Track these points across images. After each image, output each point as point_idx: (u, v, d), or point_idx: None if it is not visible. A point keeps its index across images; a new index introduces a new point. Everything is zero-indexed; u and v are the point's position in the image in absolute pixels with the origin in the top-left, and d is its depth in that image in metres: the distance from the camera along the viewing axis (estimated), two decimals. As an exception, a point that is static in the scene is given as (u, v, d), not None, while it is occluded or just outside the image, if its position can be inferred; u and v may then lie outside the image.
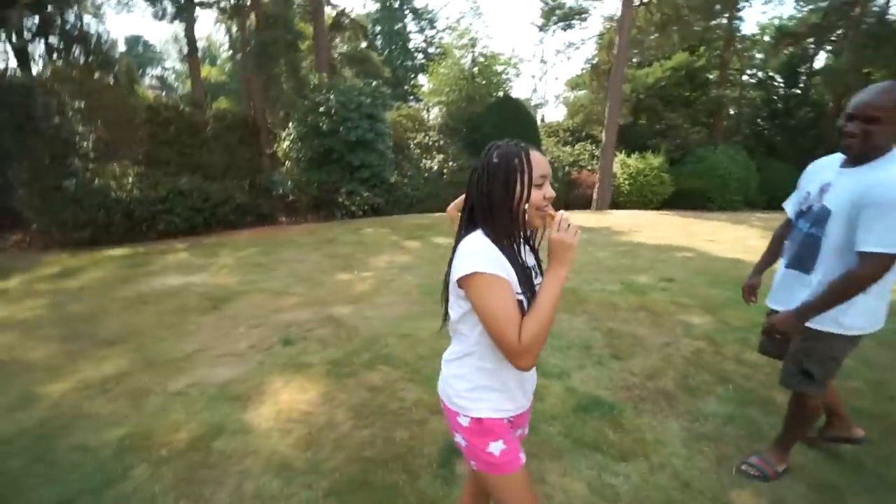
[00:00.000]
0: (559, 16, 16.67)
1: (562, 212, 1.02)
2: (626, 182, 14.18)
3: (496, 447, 1.09)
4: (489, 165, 1.05)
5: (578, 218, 9.47)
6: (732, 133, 18.70)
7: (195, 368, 3.08)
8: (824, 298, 1.55)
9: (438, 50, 22.36)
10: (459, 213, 2.70)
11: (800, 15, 19.41)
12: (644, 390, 2.62)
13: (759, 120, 19.17)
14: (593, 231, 7.92)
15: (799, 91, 19.01)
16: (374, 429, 2.32)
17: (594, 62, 18.16)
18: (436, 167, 14.27)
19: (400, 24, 34.02)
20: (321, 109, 11.47)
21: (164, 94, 27.24)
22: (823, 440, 2.07)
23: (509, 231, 1.05)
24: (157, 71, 35.57)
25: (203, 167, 12.06)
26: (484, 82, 16.69)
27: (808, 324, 1.63)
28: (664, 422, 2.31)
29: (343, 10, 17.04)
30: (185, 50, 15.22)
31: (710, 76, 17.88)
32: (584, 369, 2.90)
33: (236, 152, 13.18)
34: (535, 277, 1.12)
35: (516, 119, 14.23)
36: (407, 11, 34.00)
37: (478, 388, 1.11)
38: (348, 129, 11.66)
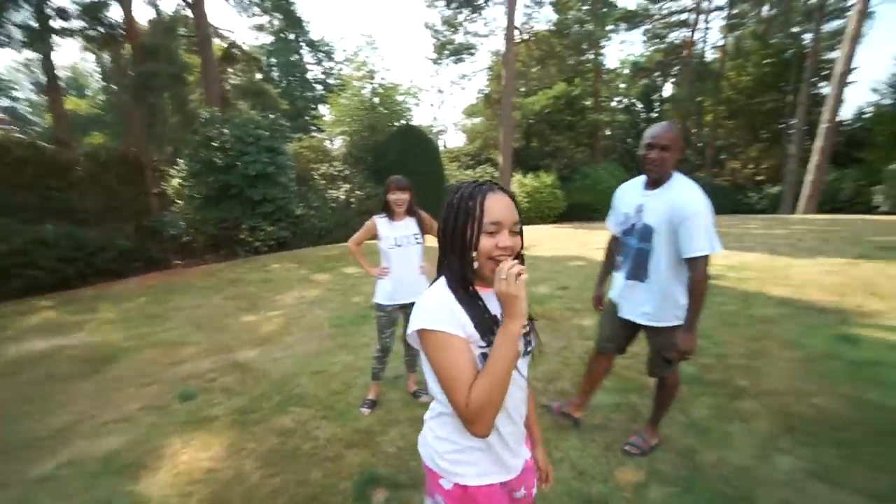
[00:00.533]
0: (450, 50, 17.81)
1: (507, 262, 0.91)
2: (525, 200, 15.35)
3: None
4: (447, 206, 0.98)
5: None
6: (610, 152, 21.30)
7: (68, 445, 2.71)
8: (694, 307, 1.88)
9: (338, 81, 22.52)
10: (358, 247, 2.79)
11: (647, 53, 22.95)
12: (546, 394, 2.87)
13: (628, 139, 22.05)
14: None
15: (655, 115, 22.28)
16: (285, 474, 2.24)
17: (486, 92, 19.56)
18: (342, 196, 14.16)
19: (296, 56, 33.54)
20: (215, 144, 10.85)
21: (14, 129, 23.49)
22: (557, 412, 2.51)
23: (463, 277, 0.97)
24: (3, 102, 30.40)
25: (74, 211, 10.66)
26: (385, 111, 17.08)
27: (660, 323, 2.01)
28: (561, 418, 2.56)
29: (234, 42, 16.48)
30: (43, 80, 13.48)
31: (587, 103, 20.26)
32: (492, 381, 3.09)
33: (116, 193, 11.88)
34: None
35: (418, 146, 14.73)
36: (302, 43, 33.68)
37: (461, 448, 1.01)
38: (247, 164, 11.15)
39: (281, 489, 2.14)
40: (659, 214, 1.91)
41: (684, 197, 1.86)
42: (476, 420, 0.87)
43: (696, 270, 1.84)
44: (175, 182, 11.90)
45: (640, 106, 23.37)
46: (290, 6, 15.66)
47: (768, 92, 21.36)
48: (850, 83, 14.61)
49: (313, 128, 22.62)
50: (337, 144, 18.85)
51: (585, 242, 8.75)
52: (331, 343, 4.14)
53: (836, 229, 8.37)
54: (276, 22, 22.26)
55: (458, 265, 0.97)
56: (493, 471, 1.03)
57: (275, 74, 31.98)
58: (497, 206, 0.95)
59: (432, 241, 2.91)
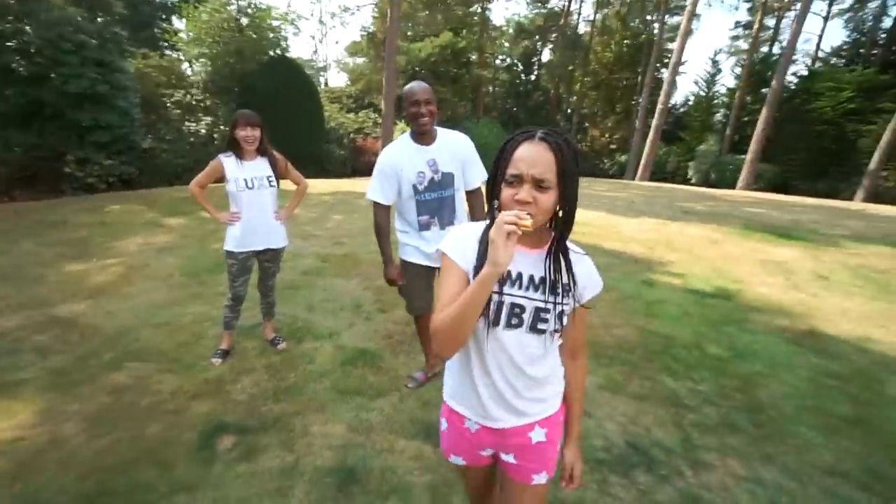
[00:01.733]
0: (333, -24, 16.05)
1: (512, 211, 0.86)
2: (409, 151, 15.23)
3: (442, 423, 1.16)
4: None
5: (365, 184, 9.79)
6: (490, 109, 22.05)
7: None
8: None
9: (196, -12, 18.81)
10: (202, 190, 2.53)
11: (530, 16, 23.76)
12: (402, 336, 3.07)
13: (508, 99, 23.04)
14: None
15: (533, 77, 23.53)
16: (117, 433, 2.07)
17: (370, 30, 18.39)
18: (203, 131, 12.41)
19: (136, -55, 26.85)
20: (11, 44, 8.42)
21: None
22: (424, 380, 2.54)
23: (490, 222, 0.95)
24: None
25: None
26: (255, 37, 14.99)
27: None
28: (415, 358, 2.79)
29: None
30: None
31: (472, 57, 20.41)
32: (354, 326, 3.19)
33: None
34: (527, 287, 0.98)
35: (294, 82, 13.44)
36: (145, -71, 26.99)
37: (449, 365, 1.13)
38: (65, 77, 8.97)
39: (109, 449, 1.98)
40: (450, 163, 2.18)
41: (460, 139, 2.25)
42: (434, 337, 0.93)
43: (478, 197, 2.30)
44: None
45: (520, 67, 24.44)
46: None
47: (625, 70, 24.07)
48: (681, 73, 17.26)
49: (165, 44, 18.89)
50: (196, 69, 16.12)
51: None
52: (181, 293, 3.78)
53: (659, 195, 10.12)
54: None
55: (489, 209, 0.98)
56: (461, 402, 1.09)
57: (106, -35, 25.36)
58: (524, 157, 0.89)
59: (289, 186, 2.79)
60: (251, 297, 2.99)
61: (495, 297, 0.97)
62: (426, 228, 2.23)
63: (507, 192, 0.91)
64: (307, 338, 3.02)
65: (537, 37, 24.03)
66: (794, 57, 19.90)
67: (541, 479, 1.10)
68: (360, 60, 21.37)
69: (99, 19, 10.88)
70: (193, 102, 13.33)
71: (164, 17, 26.72)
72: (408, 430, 2.13)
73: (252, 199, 2.52)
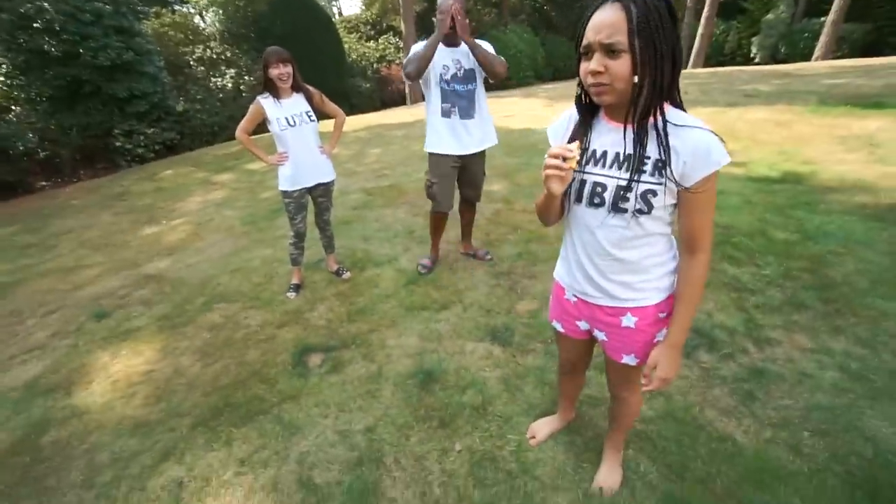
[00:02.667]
0: None
1: (557, 149, 0.91)
2: (436, 73, 14.49)
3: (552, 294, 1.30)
4: None
5: (395, 115, 9.60)
6: (517, 12, 20.08)
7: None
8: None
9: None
10: (248, 136, 2.61)
11: None
12: (457, 253, 3.18)
13: (538, -2, 20.77)
14: (409, 126, 8.20)
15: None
16: (224, 360, 2.40)
17: (379, -58, 16.78)
18: (230, 85, 12.41)
19: None
20: (37, 25, 8.58)
21: None
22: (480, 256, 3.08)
23: (578, 98, 0.97)
24: None
25: None
26: (261, -27, 14.24)
27: (489, 145, 2.67)
28: (473, 272, 2.91)
29: None
30: None
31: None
32: (410, 251, 3.33)
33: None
34: (610, 165, 0.95)
35: (308, 17, 12.87)
36: None
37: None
38: (93, 51, 9.14)
39: (223, 373, 2.30)
40: (470, 59, 2.43)
41: (483, 43, 2.48)
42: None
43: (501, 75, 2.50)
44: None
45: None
46: None
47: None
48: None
49: (175, 1, 18.47)
50: (209, 21, 15.79)
51: (494, 111, 8.76)
52: (246, 241, 4.07)
53: (714, 81, 9.13)
54: None
55: (580, 88, 0.94)
56: (563, 274, 1.21)
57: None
58: (593, 24, 0.82)
59: (328, 125, 2.82)
60: (311, 235, 3.18)
61: (578, 175, 0.99)
62: (447, 116, 2.50)
63: (582, 67, 0.87)
64: (368, 266, 3.21)
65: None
66: None
67: (630, 360, 1.14)
68: (370, -19, 19.86)
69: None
70: (214, 56, 13.23)
71: (166, -31, 25.83)
72: (474, 335, 2.29)
73: (296, 137, 2.59)
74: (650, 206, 0.92)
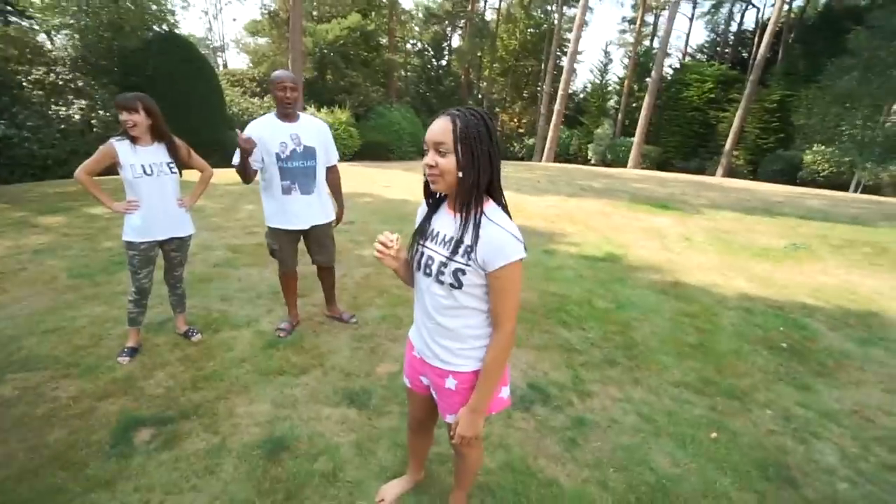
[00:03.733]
0: (223, -55, 14.75)
1: (385, 236, 1.18)
2: (321, 137, 14.73)
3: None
4: None
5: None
6: (403, 94, 21.98)
7: None
8: (339, 199, 2.86)
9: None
10: (90, 178, 2.37)
11: (440, 1, 23.93)
12: (322, 317, 3.15)
13: (420, 84, 23.13)
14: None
15: (444, 62, 23.84)
16: (9, 445, 1.93)
17: (272, 9, 17.24)
18: (77, 117, 10.86)
19: None
20: None
21: None
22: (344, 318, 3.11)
23: (425, 185, 1.16)
24: None
25: None
26: (133, 8, 13.33)
27: (326, 220, 2.75)
28: (337, 336, 2.90)
29: None
30: None
31: (382, 41, 20.09)
32: (273, 312, 3.20)
33: None
34: (439, 243, 1.14)
35: (187, 62, 12.26)
36: None
37: None
38: None
39: (1, 464, 1.85)
40: (314, 137, 2.56)
41: (322, 124, 2.66)
42: None
43: (336, 173, 2.78)
44: None
45: (431, 52, 24.61)
46: None
47: (530, 57, 25.40)
48: (579, 61, 18.76)
49: (10, 10, 15.95)
50: (58, 43, 13.91)
51: (375, 181, 9.16)
52: (72, 296, 3.44)
53: (562, 175, 11.03)
54: None
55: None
56: (413, 336, 1.35)
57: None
58: (430, 129, 1.04)
59: (192, 176, 2.71)
60: (157, 293, 2.86)
61: (420, 248, 1.19)
62: (287, 193, 2.54)
63: (423, 161, 1.08)
64: (224, 327, 2.97)
65: (447, 22, 24.30)
66: (669, 51, 22.56)
67: (452, 419, 1.28)
68: (262, 41, 19.95)
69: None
70: (60, 83, 11.57)
71: (8, -21, 22.51)
72: (332, 399, 2.26)
73: (152, 187, 2.42)
74: (460, 283, 1.09)
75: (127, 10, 13.11)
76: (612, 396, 2.36)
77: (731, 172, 17.82)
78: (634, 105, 22.28)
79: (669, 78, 22.03)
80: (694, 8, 26.68)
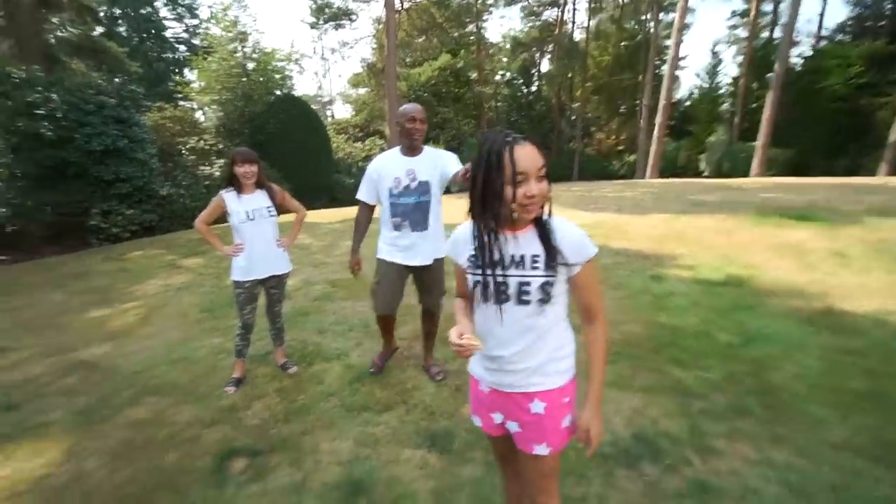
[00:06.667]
0: (328, 15, 16.88)
1: (458, 336, 1.07)
2: (416, 173, 15.50)
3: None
4: (477, 158, 1.08)
5: (376, 210, 9.95)
6: (494, 124, 22.30)
7: None
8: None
9: (204, 42, 19.89)
10: (207, 226, 2.67)
11: (525, 29, 24.19)
12: (409, 350, 3.11)
13: (511, 113, 23.28)
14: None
15: (534, 88, 23.77)
16: (137, 464, 2.16)
17: (370, 61, 19.00)
18: (217, 173, 12.91)
19: (148, 9, 28.66)
20: (40, 112, 9.03)
21: None
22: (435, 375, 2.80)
23: (487, 221, 1.11)
24: None
25: None
26: (262, 79, 15.70)
27: (435, 258, 2.52)
28: (422, 372, 2.82)
29: (52, -15, 13.45)
30: None
31: (472, 76, 20.81)
32: (362, 346, 3.25)
33: None
34: (509, 266, 1.10)
35: (300, 118, 13.94)
36: (155, -6, 28.78)
37: None
38: (88, 137, 9.57)
39: (129, 481, 2.06)
40: (430, 170, 2.41)
41: (444, 153, 2.50)
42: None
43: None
44: (-16, 161, 9.75)
45: (520, 80, 24.79)
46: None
47: (625, 71, 24.11)
48: (682, 67, 17.23)
49: (178, 96, 19.94)
50: (208, 115, 16.92)
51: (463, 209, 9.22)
52: (198, 329, 3.92)
53: (668, 191, 9.99)
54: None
55: (481, 210, 1.07)
56: (477, 370, 1.27)
57: (121, 30, 27.12)
58: (522, 157, 1.01)
59: (289, 218, 2.93)
60: (262, 326, 3.10)
61: (481, 279, 1.13)
62: (397, 229, 2.48)
63: (515, 192, 1.02)
64: (317, 360, 3.09)
65: (534, 48, 24.41)
66: (797, 38, 19.69)
67: (541, 449, 1.17)
68: (362, 91, 22.06)
69: (116, 80, 11.59)
70: (207, 147, 13.94)
71: (176, 70, 28.28)
72: (413, 441, 2.15)
73: (254, 230, 2.65)
74: (549, 296, 1.09)
75: (256, 81, 15.46)
76: (744, 457, 1.89)
77: (900, 169, 14.50)
78: (754, 105, 19.65)
79: (800, 69, 19.05)
80: (827, -15, 22.97)
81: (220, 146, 14.00)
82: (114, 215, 10.17)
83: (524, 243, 1.11)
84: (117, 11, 27.06)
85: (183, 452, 2.22)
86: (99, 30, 16.89)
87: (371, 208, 2.61)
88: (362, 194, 2.57)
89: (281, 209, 2.82)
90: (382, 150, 17.90)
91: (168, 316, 4.34)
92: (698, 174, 19.18)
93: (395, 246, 2.51)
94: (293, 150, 13.26)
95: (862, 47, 17.20)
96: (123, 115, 10.14)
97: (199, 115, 17.74)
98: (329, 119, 22.95)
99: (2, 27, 11.63)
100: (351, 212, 10.14)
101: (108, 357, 3.45)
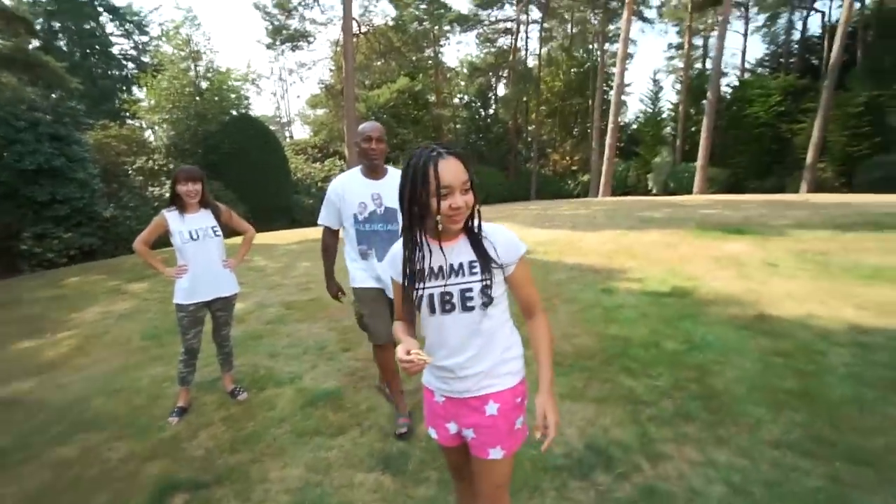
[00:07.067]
0: (285, 36, 16.83)
1: (405, 354, 1.05)
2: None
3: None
4: (403, 173, 1.11)
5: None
6: (454, 146, 22.70)
7: None
8: None
9: (155, 60, 19.19)
10: (146, 247, 2.54)
11: (481, 55, 25.13)
12: (365, 371, 3.04)
13: (471, 135, 23.88)
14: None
15: (491, 111, 24.57)
16: (59, 509, 1.97)
17: (328, 83, 19.02)
18: (168, 194, 12.35)
19: (93, 24, 27.46)
20: (-38, 129, 8.40)
21: None
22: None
23: (411, 233, 1.13)
24: None
25: None
26: (217, 98, 15.33)
27: None
28: (377, 393, 2.76)
29: (-17, -4, 12.66)
30: None
31: (431, 99, 21.24)
32: (317, 368, 3.15)
33: None
34: (448, 275, 1.12)
35: (258, 137, 13.67)
36: (100, 8, 27.68)
37: None
38: (19, 155, 8.95)
39: (51, 525, 1.87)
40: (397, 197, 2.21)
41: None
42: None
43: None
44: None
45: (478, 103, 25.59)
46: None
47: (575, 96, 25.42)
48: (627, 93, 18.48)
49: (126, 114, 19.07)
50: (158, 135, 16.26)
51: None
52: (141, 357, 3.67)
53: (619, 208, 10.50)
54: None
55: (409, 223, 1.10)
56: (429, 379, 1.26)
57: (62, 44, 25.77)
58: (446, 171, 1.03)
59: (238, 240, 2.84)
60: (210, 352, 2.94)
61: (425, 292, 1.14)
62: (364, 258, 2.29)
63: (441, 204, 1.04)
64: (269, 385, 2.96)
65: (490, 73, 25.33)
66: (725, 70, 21.62)
67: (496, 453, 1.18)
68: (320, 112, 21.97)
69: (53, 95, 10.95)
70: (156, 168, 13.34)
71: (124, 88, 27.14)
72: (367, 464, 2.09)
73: (197, 250, 2.54)
74: (491, 297, 1.13)
75: (210, 100, 15.07)
76: (690, 460, 1.96)
77: (818, 187, 15.98)
78: (693, 129, 21.20)
79: (729, 97, 20.88)
80: (746, 24, 25.48)
81: (171, 166, 13.44)
82: (49, 239, 9.48)
83: (458, 252, 1.14)
84: (56, 25, 25.77)
85: (115, 492, 2.04)
86: (35, 43, 15.97)
87: (336, 232, 2.40)
88: (325, 219, 2.35)
89: (228, 229, 2.73)
90: (342, 170, 17.86)
91: (108, 344, 4.05)
92: (647, 192, 20.28)
93: (367, 272, 2.29)
94: (250, 170, 12.93)
95: (778, 80, 19.20)
96: (61, 132, 9.58)
97: (148, 134, 17.03)
98: (288, 140, 22.62)
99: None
100: (309, 233, 9.94)
101: (33, 392, 3.16)
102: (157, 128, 16.28)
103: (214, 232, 2.59)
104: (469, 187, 1.07)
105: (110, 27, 28.57)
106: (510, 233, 1.17)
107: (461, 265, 1.13)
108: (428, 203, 1.05)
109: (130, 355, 3.76)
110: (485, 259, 1.12)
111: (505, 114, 24.77)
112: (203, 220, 2.57)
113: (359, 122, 16.07)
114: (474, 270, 1.12)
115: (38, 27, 18.78)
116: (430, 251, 1.12)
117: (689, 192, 17.39)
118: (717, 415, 2.26)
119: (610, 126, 17.85)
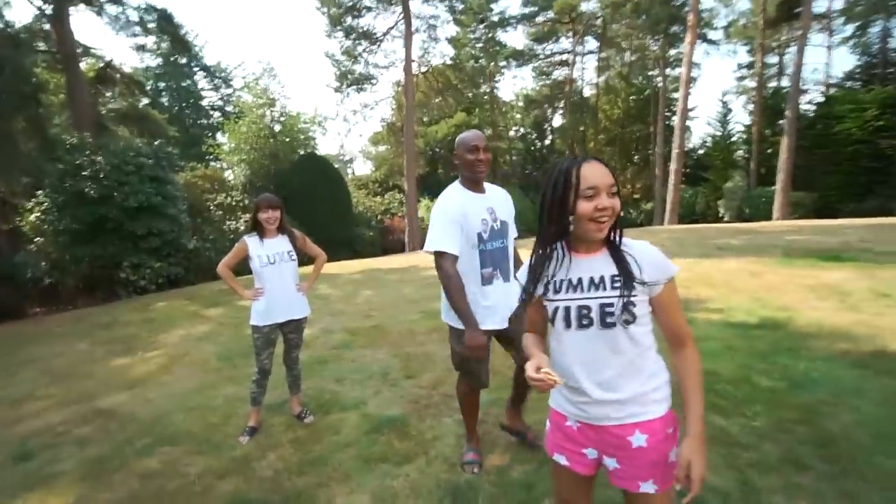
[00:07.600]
0: (351, 80, 18.13)
1: (536, 372, 1.02)
2: (434, 224, 15.84)
3: (547, 425, 1.23)
4: (546, 179, 1.10)
5: (393, 261, 10.08)
6: (509, 177, 22.86)
7: None
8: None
9: (236, 109, 21.55)
10: (229, 271, 2.70)
11: (537, 88, 25.44)
12: (429, 399, 2.98)
13: (527, 166, 23.92)
14: (404, 271, 8.54)
15: (548, 142, 24.54)
16: (143, 518, 2.05)
17: (389, 121, 20.06)
18: (242, 227, 13.41)
19: (189, 82, 31.41)
20: (86, 173, 9.70)
21: None
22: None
23: (556, 240, 1.11)
24: None
25: None
26: (287, 140, 16.67)
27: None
28: (442, 420, 2.68)
29: (110, 63, 14.94)
30: None
31: (487, 132, 21.67)
32: (380, 394, 3.13)
33: (-52, 233, 10.02)
34: (588, 288, 1.06)
35: (323, 174, 14.57)
36: (196, 68, 31.69)
37: None
38: (126, 194, 10.13)
39: (135, 534, 1.95)
40: (506, 209, 2.06)
41: (505, 191, 2.15)
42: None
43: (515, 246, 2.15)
44: (31, 217, 10.39)
45: (534, 134, 25.74)
46: (175, 28, 14.72)
47: (636, 123, 24.79)
48: (692, 118, 17.62)
49: (210, 157, 21.28)
50: (236, 174, 17.90)
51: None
52: (215, 377, 3.87)
53: (689, 236, 9.85)
54: (163, 44, 20.81)
55: (555, 230, 1.07)
56: (560, 402, 1.17)
57: (164, 100, 29.61)
58: (591, 173, 1.02)
59: (310, 269, 2.96)
60: (279, 375, 3.04)
61: (561, 304, 1.08)
62: (489, 282, 1.97)
63: (586, 206, 1.01)
64: (334, 409, 2.98)
65: (546, 105, 25.50)
66: (804, 87, 20.03)
67: (648, 487, 1.06)
68: (382, 148, 23.16)
69: (155, 143, 12.47)
70: (234, 203, 14.59)
71: (210, 134, 30.42)
72: (433, 495, 2.00)
73: (273, 274, 2.67)
74: (634, 315, 1.04)
75: (282, 142, 16.42)
76: (809, 516, 1.68)
77: (934, 208, 14.04)
78: (769, 151, 19.70)
79: (812, 115, 19.26)
80: (830, 35, 23.69)
81: (246, 202, 14.63)
82: (143, 268, 10.51)
83: (600, 265, 1.07)
84: (161, 84, 29.71)
85: (192, 506, 2.11)
86: (144, 101, 18.47)
87: (456, 260, 1.91)
88: (446, 243, 1.88)
89: (301, 254, 2.86)
90: (401, 203, 18.53)
91: (188, 364, 4.32)
92: (718, 219, 18.95)
93: (481, 306, 1.95)
94: (316, 205, 13.77)
95: (874, 92, 17.40)
96: (159, 174, 10.77)
97: (227, 173, 18.78)
98: (350, 175, 23.95)
99: (63, 101, 12.81)
100: (370, 263, 10.24)
101: (126, 405, 3.41)
102: (235, 168, 17.96)
103: (290, 256, 2.73)
104: (616, 192, 1.03)
105: (202, 83, 32.49)
106: (658, 251, 1.08)
107: (602, 278, 1.06)
108: (575, 205, 1.02)
109: (206, 375, 3.98)
110: (628, 274, 1.04)
111: (562, 143, 24.66)
112: (280, 244, 2.72)
113: (418, 156, 16.71)
114: (616, 285, 1.04)
115: (147, 88, 21.74)
116: (571, 261, 1.09)
117: (768, 217, 15.99)
118: (837, 464, 1.94)
119: (675, 151, 17.08)
